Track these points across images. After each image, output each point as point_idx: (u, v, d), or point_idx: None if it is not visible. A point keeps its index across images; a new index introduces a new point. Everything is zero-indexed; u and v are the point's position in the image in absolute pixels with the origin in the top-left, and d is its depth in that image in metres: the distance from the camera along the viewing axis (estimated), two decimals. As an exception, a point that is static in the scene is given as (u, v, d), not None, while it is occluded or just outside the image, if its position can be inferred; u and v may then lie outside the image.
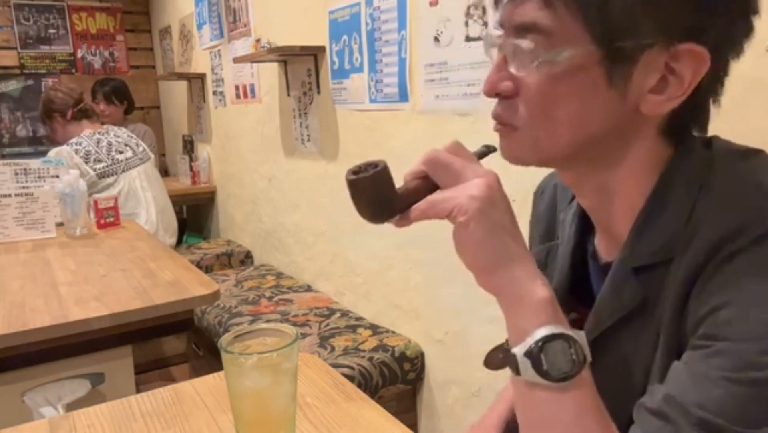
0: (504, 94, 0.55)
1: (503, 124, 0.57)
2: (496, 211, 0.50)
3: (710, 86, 0.54)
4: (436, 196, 0.51)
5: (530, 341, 0.49)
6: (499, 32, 0.57)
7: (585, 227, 0.66)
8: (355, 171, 0.51)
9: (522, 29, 0.52)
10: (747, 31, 0.52)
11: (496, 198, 0.50)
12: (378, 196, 0.51)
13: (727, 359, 0.45)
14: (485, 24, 1.46)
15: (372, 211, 0.52)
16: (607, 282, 0.57)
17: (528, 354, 0.48)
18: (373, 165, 0.50)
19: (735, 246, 0.47)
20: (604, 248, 0.63)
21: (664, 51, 0.50)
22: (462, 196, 0.49)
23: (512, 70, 0.54)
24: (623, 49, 0.50)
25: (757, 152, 0.54)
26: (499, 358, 0.52)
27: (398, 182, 0.53)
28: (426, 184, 0.52)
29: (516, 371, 0.50)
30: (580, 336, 0.49)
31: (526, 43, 0.52)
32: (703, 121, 0.57)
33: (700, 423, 0.44)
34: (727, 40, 0.52)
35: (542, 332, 0.48)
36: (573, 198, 0.69)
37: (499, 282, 0.51)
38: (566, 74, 0.51)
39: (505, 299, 0.51)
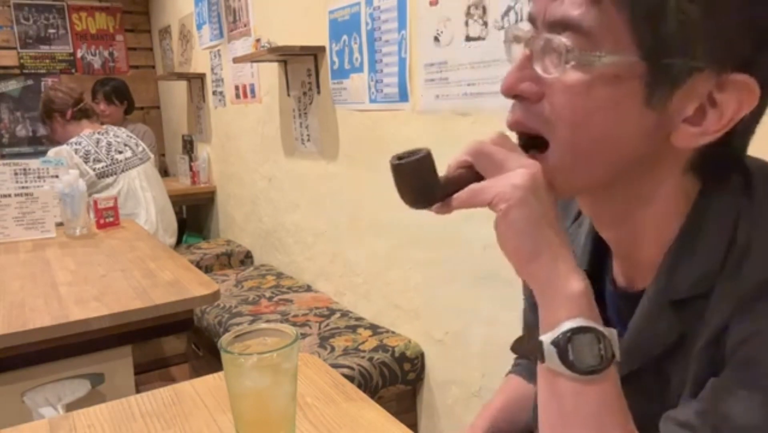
0: (525, 95, 0.51)
1: (529, 134, 0.52)
2: (538, 201, 0.49)
3: (747, 128, 0.50)
4: (478, 184, 0.50)
5: (559, 330, 0.49)
6: (527, 27, 0.52)
7: (600, 250, 0.62)
8: (400, 157, 0.52)
9: (559, 25, 0.47)
10: None
11: (538, 188, 0.49)
12: (420, 182, 0.51)
13: None
14: (485, 24, 1.46)
15: (414, 197, 0.52)
16: (639, 316, 0.54)
17: (555, 343, 0.48)
18: (417, 152, 0.51)
19: None
20: (623, 275, 0.60)
21: (711, 78, 0.46)
22: (504, 184, 0.49)
23: (539, 69, 0.49)
24: (670, 67, 0.45)
25: None
26: (526, 344, 0.52)
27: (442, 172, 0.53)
28: (469, 173, 0.52)
29: (541, 357, 0.50)
30: (611, 333, 0.49)
31: (562, 41, 0.47)
32: (737, 164, 0.52)
33: None
34: None
35: (572, 323, 0.48)
36: (578, 216, 0.66)
37: (537, 272, 0.50)
38: (602, 81, 0.47)
39: (541, 288, 0.51)
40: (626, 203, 0.54)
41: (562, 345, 0.48)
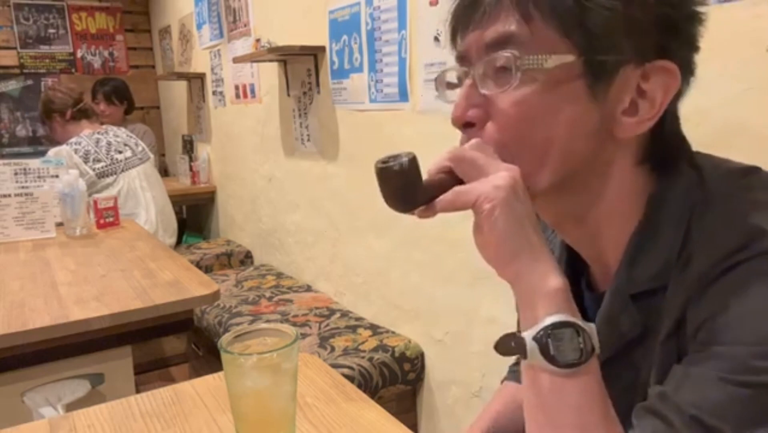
0: (473, 121, 0.54)
1: None
2: (519, 202, 0.51)
3: (674, 115, 0.54)
4: (462, 186, 0.52)
5: (539, 326, 0.50)
6: (458, 69, 0.56)
7: (575, 258, 0.64)
8: (384, 161, 0.53)
9: (498, 43, 0.51)
10: (693, 65, 0.53)
11: (519, 190, 0.51)
12: (404, 186, 0.52)
13: (724, 362, 0.45)
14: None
15: (397, 201, 0.53)
16: (602, 312, 0.57)
17: (537, 339, 0.50)
18: (401, 156, 0.53)
19: (738, 258, 0.46)
20: (596, 279, 0.62)
21: (637, 69, 0.51)
22: (487, 186, 0.50)
23: (485, 91, 0.53)
24: (604, 63, 0.50)
25: (756, 170, 0.53)
26: (509, 343, 0.53)
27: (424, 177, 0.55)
28: (449, 178, 0.53)
29: (524, 354, 0.51)
30: (590, 327, 0.50)
31: (504, 54, 0.51)
32: (679, 153, 0.55)
33: (694, 421, 0.45)
34: (687, 68, 0.52)
35: (552, 319, 0.50)
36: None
37: (518, 271, 0.52)
38: (547, 87, 0.50)
39: (521, 287, 0.52)
40: (582, 203, 0.56)
41: (543, 341, 0.49)
